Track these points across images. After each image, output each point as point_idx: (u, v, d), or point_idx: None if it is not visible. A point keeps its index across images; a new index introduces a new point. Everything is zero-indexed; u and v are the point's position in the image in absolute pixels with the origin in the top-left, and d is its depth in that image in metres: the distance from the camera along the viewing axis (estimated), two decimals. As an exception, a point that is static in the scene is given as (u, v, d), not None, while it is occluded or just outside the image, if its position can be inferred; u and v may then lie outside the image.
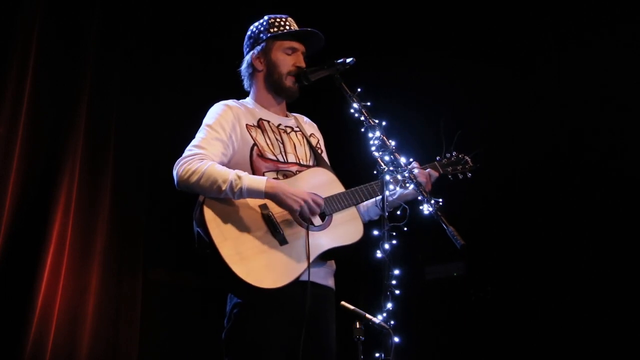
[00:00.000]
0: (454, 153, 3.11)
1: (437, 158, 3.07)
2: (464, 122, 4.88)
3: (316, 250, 2.69)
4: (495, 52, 4.95)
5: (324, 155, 3.06)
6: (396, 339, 2.43)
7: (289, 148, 2.90)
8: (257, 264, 2.58)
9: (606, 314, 4.28)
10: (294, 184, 2.77)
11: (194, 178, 2.62)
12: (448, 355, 5.01)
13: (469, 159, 3.13)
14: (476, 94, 4.92)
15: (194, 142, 2.76)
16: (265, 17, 3.01)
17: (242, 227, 2.64)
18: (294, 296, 2.63)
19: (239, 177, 2.60)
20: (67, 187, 4.08)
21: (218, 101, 2.95)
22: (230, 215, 2.65)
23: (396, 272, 2.47)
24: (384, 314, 2.44)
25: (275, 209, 2.67)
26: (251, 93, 3.02)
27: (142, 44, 4.68)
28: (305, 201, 2.62)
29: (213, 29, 4.98)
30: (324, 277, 2.82)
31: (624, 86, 4.42)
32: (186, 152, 2.72)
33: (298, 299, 2.63)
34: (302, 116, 3.15)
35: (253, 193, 2.62)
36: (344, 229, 2.78)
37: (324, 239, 2.73)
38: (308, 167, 2.91)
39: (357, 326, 2.64)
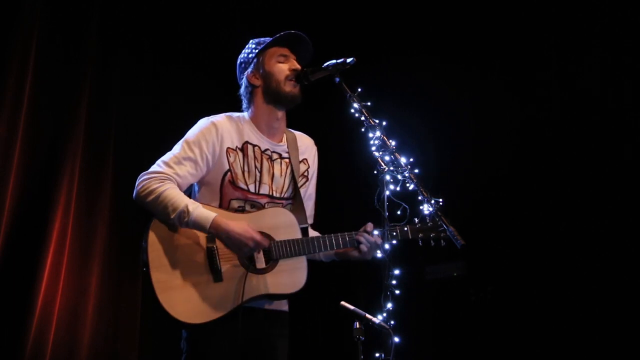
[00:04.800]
0: (438, 216, 2.94)
1: (415, 220, 2.84)
2: (461, 121, 4.94)
3: (249, 293, 2.66)
4: (492, 54, 4.97)
5: (309, 184, 3.02)
6: (396, 339, 2.43)
7: (266, 178, 2.86)
8: (182, 296, 2.60)
9: (606, 313, 4.28)
10: (252, 220, 2.74)
11: (150, 198, 2.65)
12: (448, 355, 5.01)
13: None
14: (475, 93, 4.93)
15: (165, 157, 2.76)
16: (250, 41, 2.99)
17: (182, 256, 2.65)
18: (235, 324, 2.62)
19: (188, 210, 2.60)
20: (67, 187, 4.08)
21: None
22: (175, 242, 2.66)
23: (396, 272, 2.47)
24: (384, 314, 2.44)
25: (220, 244, 2.67)
26: (249, 112, 2.95)
27: (142, 44, 4.67)
28: (247, 244, 2.61)
29: (214, 30, 4.98)
30: (272, 303, 2.81)
31: (619, 86, 4.44)
32: (153, 167, 2.74)
33: (238, 326, 2.62)
34: (303, 136, 3.08)
35: (198, 227, 2.63)
36: (285, 278, 2.74)
37: (261, 284, 2.70)
38: (281, 199, 2.88)
39: (357, 326, 2.65)
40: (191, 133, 2.81)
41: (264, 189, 2.85)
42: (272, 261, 2.73)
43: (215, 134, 2.80)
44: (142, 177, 2.71)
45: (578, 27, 4.63)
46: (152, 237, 2.64)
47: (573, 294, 4.43)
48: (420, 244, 2.89)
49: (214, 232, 2.61)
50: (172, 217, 2.61)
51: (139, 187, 2.69)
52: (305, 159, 3.02)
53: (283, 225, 2.80)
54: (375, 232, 2.79)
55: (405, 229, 2.85)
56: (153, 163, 2.78)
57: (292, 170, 2.93)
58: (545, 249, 4.60)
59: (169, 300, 2.57)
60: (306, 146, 3.06)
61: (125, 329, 4.30)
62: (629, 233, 4.27)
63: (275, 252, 2.73)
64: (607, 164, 4.41)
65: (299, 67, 2.89)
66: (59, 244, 3.99)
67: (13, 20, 3.92)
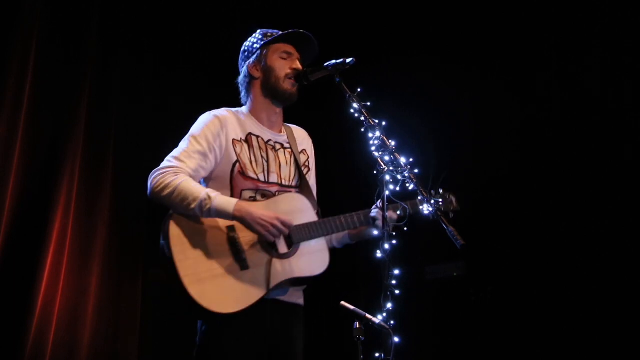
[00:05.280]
0: (440, 190, 3.03)
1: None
2: (461, 121, 4.94)
3: (277, 278, 2.67)
4: (492, 54, 4.97)
5: (311, 174, 3.04)
6: (396, 339, 2.43)
7: (273, 167, 2.87)
8: (213, 287, 2.58)
9: (606, 313, 4.28)
10: (269, 207, 2.75)
11: (166, 192, 2.62)
12: (448, 355, 5.01)
13: (454, 199, 3.04)
14: (475, 93, 4.93)
15: (174, 152, 2.75)
16: (258, 31, 3.00)
17: (206, 247, 2.63)
18: (257, 315, 2.64)
19: (209, 197, 2.59)
20: (67, 187, 4.08)
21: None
22: (196, 234, 2.64)
23: (396, 272, 2.47)
24: (384, 314, 2.44)
25: (241, 233, 2.66)
26: (247, 104, 2.98)
27: (142, 44, 4.68)
28: (273, 225, 2.60)
29: (214, 30, 4.98)
30: (291, 295, 2.82)
31: (619, 86, 4.44)
32: (164, 163, 2.72)
33: (261, 318, 2.65)
34: (298, 129, 3.11)
35: (221, 214, 2.61)
36: (309, 260, 2.76)
37: (287, 268, 2.71)
38: (290, 187, 2.89)
39: (357, 326, 2.65)
40: (196, 128, 2.81)
41: (273, 178, 2.86)
42: (293, 245, 2.75)
43: (219, 126, 2.80)
44: (155, 173, 2.69)
45: (578, 27, 4.63)
46: (173, 232, 2.60)
47: (573, 294, 4.43)
48: (431, 218, 2.89)
49: (239, 215, 2.60)
50: (192, 207, 2.58)
51: (154, 183, 2.66)
52: (304, 150, 3.05)
53: (299, 209, 2.81)
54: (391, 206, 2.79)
55: (416, 201, 2.89)
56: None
57: (295, 159, 2.95)
58: (545, 249, 4.60)
59: (199, 292, 2.54)
60: (303, 138, 3.09)
61: (125, 329, 4.30)
62: (629, 233, 4.27)
63: (295, 236, 2.74)
64: (607, 164, 4.41)
65: (300, 67, 2.90)
66: (59, 244, 3.99)
67: (13, 20, 3.92)
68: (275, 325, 2.71)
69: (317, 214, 2.89)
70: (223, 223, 2.67)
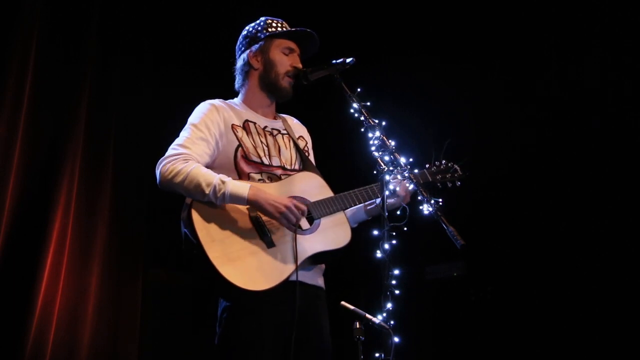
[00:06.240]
0: (443, 161, 3.06)
1: (426, 165, 3.02)
2: (461, 121, 4.94)
3: (304, 253, 2.67)
4: (492, 54, 4.97)
5: (311, 158, 3.04)
6: (396, 339, 2.43)
7: (274, 151, 2.87)
8: (244, 266, 2.57)
9: (606, 312, 4.28)
10: (284, 187, 2.75)
11: (178, 179, 2.61)
12: (448, 355, 5.01)
13: (457, 168, 3.07)
14: (475, 93, 4.93)
15: (178, 141, 2.74)
16: (262, 18, 3.01)
17: (230, 229, 2.63)
18: (283, 297, 2.62)
19: (223, 182, 2.58)
20: (67, 188, 4.08)
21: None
22: (218, 217, 2.63)
23: (396, 272, 2.47)
24: (384, 314, 2.44)
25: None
26: (241, 93, 2.99)
27: (142, 44, 4.68)
28: (288, 208, 2.60)
29: (214, 30, 4.98)
30: (313, 277, 2.80)
31: (619, 86, 4.44)
32: (170, 151, 2.70)
33: (287, 299, 2.62)
34: (291, 117, 3.12)
35: (235, 199, 2.61)
36: (332, 234, 2.76)
37: (312, 243, 2.71)
38: (293, 170, 2.88)
39: (357, 326, 2.65)
40: (194, 117, 2.82)
41: (275, 161, 2.86)
42: (314, 221, 2.75)
43: (217, 113, 2.82)
44: (164, 162, 2.67)
45: (578, 27, 4.63)
46: (195, 217, 2.59)
47: (573, 293, 4.43)
48: (440, 187, 2.96)
49: (253, 199, 2.60)
50: (207, 193, 2.57)
51: (164, 171, 2.64)
52: (302, 136, 3.06)
53: (313, 186, 2.82)
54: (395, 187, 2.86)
55: (425, 171, 2.95)
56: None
57: (295, 143, 2.96)
58: (545, 249, 4.60)
59: (231, 272, 2.53)
60: (298, 126, 3.10)
61: (125, 329, 4.30)
62: (629, 233, 4.27)
63: (314, 212, 2.74)
64: (607, 164, 4.41)
65: (300, 65, 2.91)
66: (59, 244, 3.99)
67: (13, 20, 3.93)
68: (302, 308, 2.67)
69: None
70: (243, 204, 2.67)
